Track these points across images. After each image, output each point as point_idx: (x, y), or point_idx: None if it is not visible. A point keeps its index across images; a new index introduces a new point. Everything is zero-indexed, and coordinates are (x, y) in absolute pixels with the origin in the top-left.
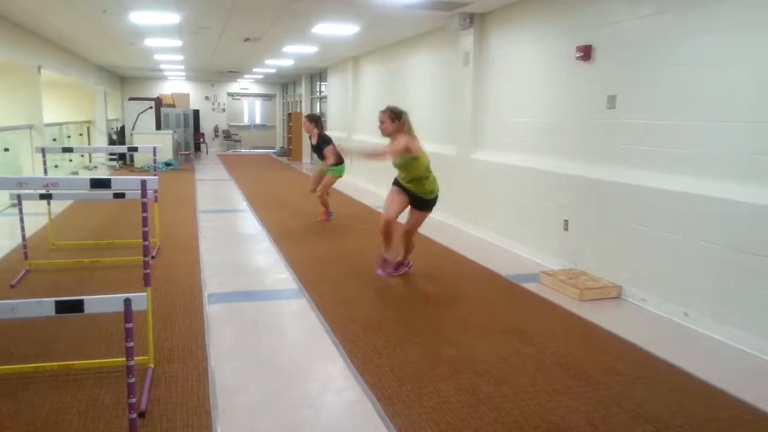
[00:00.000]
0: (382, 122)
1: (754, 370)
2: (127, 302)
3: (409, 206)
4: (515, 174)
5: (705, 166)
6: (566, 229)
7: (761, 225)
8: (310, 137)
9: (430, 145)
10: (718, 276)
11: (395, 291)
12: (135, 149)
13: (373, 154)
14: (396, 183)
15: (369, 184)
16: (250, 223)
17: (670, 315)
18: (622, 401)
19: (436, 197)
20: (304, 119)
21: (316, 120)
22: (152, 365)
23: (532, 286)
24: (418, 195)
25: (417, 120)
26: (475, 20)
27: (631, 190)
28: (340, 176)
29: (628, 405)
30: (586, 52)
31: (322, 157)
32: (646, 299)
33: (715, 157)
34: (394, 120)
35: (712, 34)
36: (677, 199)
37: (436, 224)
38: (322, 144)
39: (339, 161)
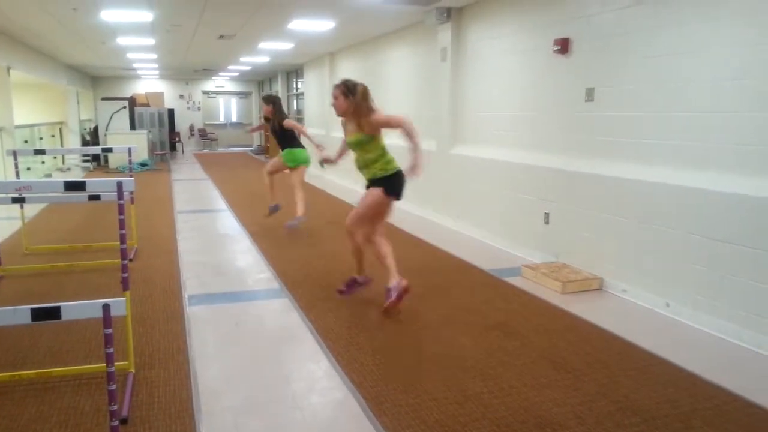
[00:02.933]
0: (335, 98)
1: (736, 359)
2: (106, 308)
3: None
4: (495, 168)
5: (684, 157)
6: (547, 222)
7: (740, 215)
8: (266, 120)
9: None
10: (699, 266)
11: (378, 288)
12: (109, 150)
13: (416, 145)
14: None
15: (356, 185)
16: (228, 223)
17: (652, 306)
18: (607, 393)
19: (393, 174)
20: (261, 102)
21: (274, 100)
22: (133, 370)
23: (514, 280)
24: (372, 178)
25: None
26: (452, 15)
27: (610, 182)
28: (290, 165)
29: (614, 397)
30: (564, 45)
31: (280, 142)
32: (628, 290)
33: (694, 148)
34: (347, 96)
35: (688, 25)
36: (657, 190)
37: (417, 220)
38: (282, 122)
39: (297, 144)
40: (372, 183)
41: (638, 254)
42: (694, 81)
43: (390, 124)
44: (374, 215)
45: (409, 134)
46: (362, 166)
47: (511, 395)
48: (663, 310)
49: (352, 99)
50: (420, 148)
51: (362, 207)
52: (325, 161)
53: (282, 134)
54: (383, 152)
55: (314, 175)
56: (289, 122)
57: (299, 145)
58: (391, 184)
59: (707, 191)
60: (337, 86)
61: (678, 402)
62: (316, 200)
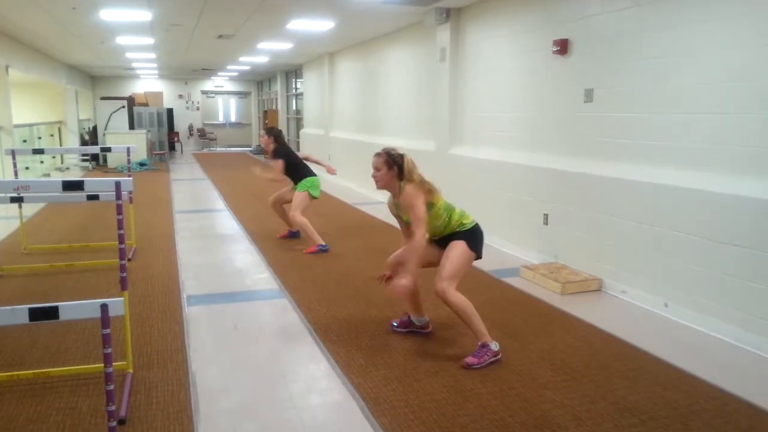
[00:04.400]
0: (377, 170)
1: (735, 361)
2: (104, 308)
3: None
4: (494, 169)
5: (683, 158)
6: (546, 223)
7: (740, 216)
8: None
9: (408, 141)
10: (698, 267)
11: (377, 289)
12: (108, 150)
13: (416, 261)
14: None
15: (352, 184)
16: (227, 223)
17: (651, 306)
18: (606, 394)
19: (470, 229)
20: (261, 131)
21: (276, 134)
22: (131, 371)
23: (513, 281)
24: (446, 236)
25: (395, 115)
26: (452, 15)
27: (609, 183)
28: (314, 194)
29: (613, 398)
30: (563, 46)
31: (293, 177)
32: (627, 291)
33: (693, 149)
34: (392, 167)
35: (687, 27)
36: (656, 191)
37: None
38: (285, 156)
39: (307, 173)
40: (449, 238)
41: (637, 255)
42: (692, 82)
43: (411, 215)
44: (464, 272)
45: (413, 260)
46: (435, 234)
47: (510, 396)
48: (662, 311)
49: (396, 172)
50: (415, 266)
51: (456, 266)
52: (383, 279)
53: (294, 168)
54: (450, 213)
55: (330, 181)
56: (280, 164)
57: (309, 173)
58: (471, 237)
59: (706, 192)
60: (378, 155)
61: (677, 403)
62: (319, 202)
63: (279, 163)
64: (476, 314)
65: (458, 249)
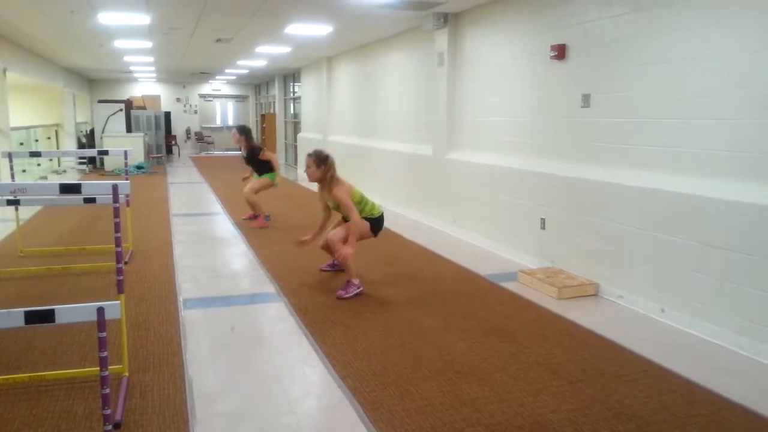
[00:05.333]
0: (308, 167)
1: (732, 366)
2: (101, 311)
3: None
4: (491, 173)
5: (679, 164)
6: (543, 227)
7: (737, 222)
8: (240, 149)
9: (406, 145)
10: (694, 272)
11: (374, 292)
12: (105, 153)
13: (357, 234)
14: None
15: None
16: (224, 226)
17: (647, 311)
18: (602, 399)
19: (377, 219)
20: (234, 130)
21: (247, 132)
22: (127, 374)
23: (510, 285)
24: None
25: (392, 120)
26: (449, 20)
27: (606, 188)
28: (275, 184)
29: (609, 402)
30: (561, 51)
31: (257, 169)
32: (623, 296)
33: (690, 155)
34: (320, 165)
35: (684, 33)
36: (652, 196)
37: (413, 224)
38: (253, 154)
39: (269, 170)
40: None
41: (634, 260)
42: (689, 88)
43: (344, 209)
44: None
45: (354, 234)
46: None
47: (507, 400)
48: (659, 316)
49: (323, 168)
50: (355, 239)
51: (352, 233)
52: (301, 243)
53: (253, 161)
54: (363, 205)
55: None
56: (266, 154)
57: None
58: (375, 225)
59: (703, 198)
60: (309, 155)
61: (674, 409)
62: (310, 204)
63: (268, 153)
64: (352, 262)
65: (360, 225)
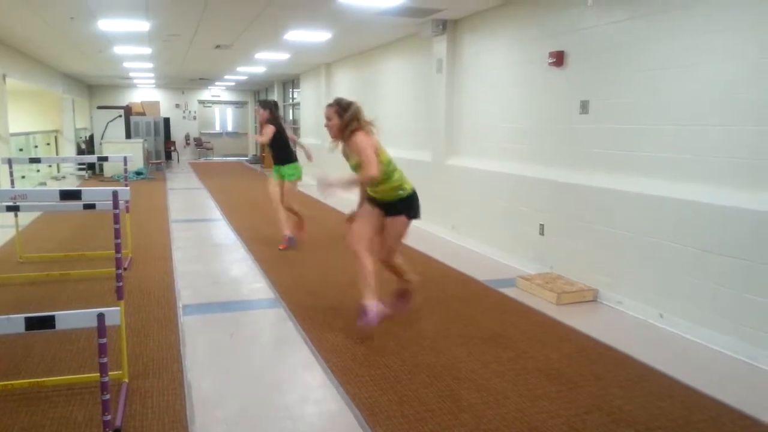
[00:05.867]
0: (328, 119)
1: (731, 372)
2: (101, 317)
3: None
4: (490, 179)
5: (678, 170)
6: (542, 233)
7: (735, 227)
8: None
9: (405, 151)
10: (693, 278)
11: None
12: (105, 159)
13: (357, 181)
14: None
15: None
16: (223, 232)
17: (646, 317)
18: (601, 404)
19: (409, 196)
20: (256, 106)
21: (273, 107)
22: (126, 380)
23: (509, 291)
24: (385, 200)
25: (392, 126)
26: (448, 26)
27: (605, 194)
28: (299, 178)
29: (608, 408)
30: (559, 58)
31: (276, 155)
32: (622, 302)
33: (688, 161)
34: (342, 114)
35: (681, 40)
36: (651, 202)
37: (412, 230)
38: (263, 124)
39: (290, 159)
40: (389, 207)
41: (633, 266)
42: (687, 94)
43: (361, 158)
44: (397, 239)
45: (363, 179)
46: (376, 187)
47: (506, 406)
48: (657, 321)
49: (346, 118)
50: (356, 184)
51: (393, 242)
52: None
53: (277, 145)
54: (391, 170)
55: (308, 184)
56: (270, 129)
57: (293, 158)
58: (410, 207)
59: (701, 204)
60: (329, 106)
61: (672, 414)
62: (310, 209)
63: (270, 128)
64: (373, 277)
65: (399, 227)
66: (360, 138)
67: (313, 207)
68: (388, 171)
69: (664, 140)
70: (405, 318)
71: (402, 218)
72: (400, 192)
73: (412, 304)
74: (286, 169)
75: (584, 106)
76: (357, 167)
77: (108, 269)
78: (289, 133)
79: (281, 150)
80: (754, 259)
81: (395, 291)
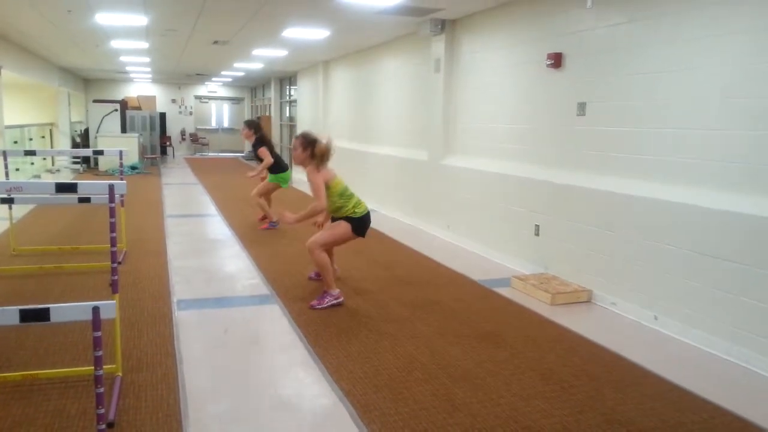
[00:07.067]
0: (294, 148)
1: (724, 374)
2: (96, 310)
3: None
4: (486, 179)
5: (674, 173)
6: (537, 234)
7: (728, 230)
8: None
9: (401, 150)
10: (687, 280)
11: (368, 296)
12: (101, 152)
13: (309, 215)
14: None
15: None
16: (218, 228)
17: (640, 319)
18: (594, 405)
19: (358, 218)
20: (242, 126)
21: (256, 126)
22: (120, 374)
23: (504, 291)
24: (341, 218)
25: (388, 125)
26: (446, 26)
27: (601, 196)
28: (284, 186)
29: (601, 409)
30: (557, 60)
31: (271, 168)
32: (616, 303)
33: (683, 164)
34: (306, 147)
35: (679, 43)
36: (646, 204)
37: (408, 229)
38: (255, 147)
39: (282, 168)
40: (342, 218)
41: (628, 268)
42: (684, 98)
43: (313, 191)
44: (336, 244)
45: (315, 212)
46: (332, 212)
47: (500, 405)
48: (651, 323)
49: (309, 151)
50: (308, 215)
51: (330, 236)
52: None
53: (256, 153)
54: (345, 199)
55: (303, 181)
56: (264, 150)
57: (284, 168)
58: (358, 225)
59: (697, 207)
60: (296, 138)
61: (665, 415)
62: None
63: (264, 150)
64: (330, 269)
65: (340, 227)
66: (309, 172)
67: (308, 203)
68: (341, 201)
69: (661, 143)
70: (400, 316)
71: (345, 224)
72: (351, 215)
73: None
74: (277, 177)
75: (581, 108)
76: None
77: (102, 263)
78: (261, 151)
79: (275, 163)
80: (750, 262)
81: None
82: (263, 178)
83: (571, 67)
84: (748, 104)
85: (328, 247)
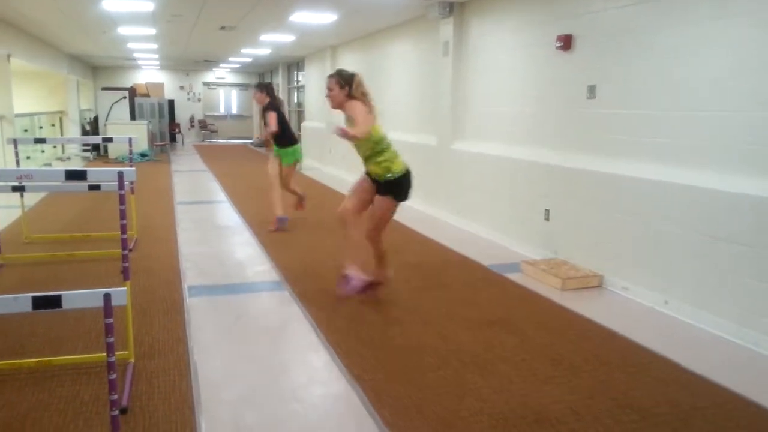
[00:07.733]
0: (329, 90)
1: (735, 358)
2: (107, 297)
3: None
4: (496, 164)
5: (684, 156)
6: (547, 218)
7: (739, 213)
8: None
9: (410, 135)
10: (698, 264)
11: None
12: (110, 140)
13: (352, 136)
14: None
15: (351, 176)
16: (228, 215)
17: (651, 303)
18: (605, 390)
19: (400, 180)
20: (254, 89)
21: (269, 88)
22: (133, 360)
23: (514, 276)
24: (375, 178)
25: (397, 109)
26: (455, 9)
27: (611, 180)
28: (298, 160)
29: (612, 393)
30: (567, 42)
31: (278, 141)
32: (627, 288)
33: (695, 147)
34: (343, 86)
35: (691, 24)
36: (657, 188)
37: (417, 214)
38: (265, 110)
39: (290, 141)
40: (379, 186)
41: (638, 252)
42: (696, 80)
43: (354, 120)
44: (386, 222)
45: (353, 133)
46: (364, 159)
47: (510, 390)
48: (662, 307)
49: (347, 90)
50: (352, 135)
51: (377, 220)
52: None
53: (279, 128)
54: (378, 146)
55: (312, 167)
56: (273, 116)
57: (293, 141)
58: (399, 189)
59: (708, 190)
60: (330, 76)
61: (677, 400)
62: (315, 192)
63: (273, 115)
64: (361, 249)
65: (383, 205)
66: (356, 103)
67: (317, 189)
68: (380, 146)
69: (672, 126)
70: (410, 302)
71: (387, 198)
72: (389, 175)
73: (375, 294)
74: (285, 152)
75: (591, 91)
76: (359, 148)
77: (113, 250)
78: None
79: (282, 133)
80: (761, 245)
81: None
82: (270, 133)
83: (581, 50)
84: (761, 86)
85: (378, 233)
